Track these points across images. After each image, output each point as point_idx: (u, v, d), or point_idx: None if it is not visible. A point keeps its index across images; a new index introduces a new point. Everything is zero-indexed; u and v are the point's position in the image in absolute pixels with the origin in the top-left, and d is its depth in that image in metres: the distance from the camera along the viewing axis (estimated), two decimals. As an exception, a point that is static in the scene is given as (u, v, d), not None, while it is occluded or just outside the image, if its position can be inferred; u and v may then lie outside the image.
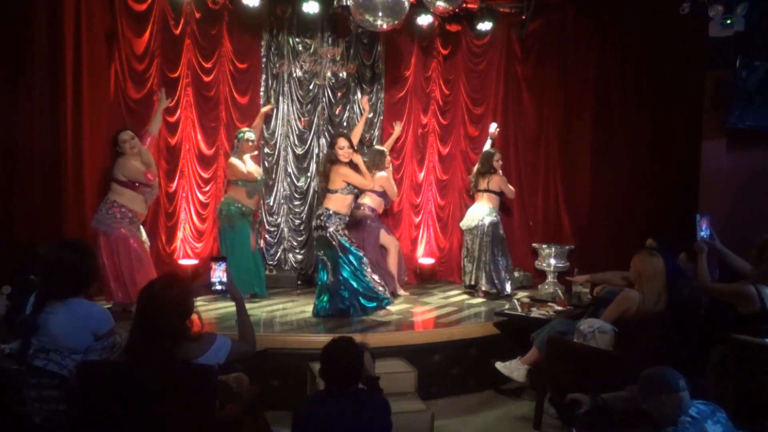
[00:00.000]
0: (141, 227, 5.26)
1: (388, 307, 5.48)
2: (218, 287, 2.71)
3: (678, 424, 2.52)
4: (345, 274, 4.97)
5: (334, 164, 5.00)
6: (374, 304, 5.05)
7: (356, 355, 2.68)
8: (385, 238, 6.05)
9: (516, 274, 6.58)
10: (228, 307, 5.25)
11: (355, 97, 6.69)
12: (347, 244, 5.01)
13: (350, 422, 2.52)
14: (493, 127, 6.56)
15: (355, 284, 4.99)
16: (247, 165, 5.65)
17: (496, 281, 6.03)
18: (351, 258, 5.00)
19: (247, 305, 3.04)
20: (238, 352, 2.66)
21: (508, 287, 6.08)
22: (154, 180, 5.13)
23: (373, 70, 6.73)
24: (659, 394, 2.64)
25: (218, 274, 2.70)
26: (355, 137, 5.63)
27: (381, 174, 5.89)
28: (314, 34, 6.52)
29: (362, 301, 5.01)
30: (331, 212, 4.97)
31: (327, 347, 2.70)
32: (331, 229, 4.95)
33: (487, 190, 6.13)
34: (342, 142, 5.01)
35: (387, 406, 2.67)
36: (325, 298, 5.07)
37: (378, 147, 6.16)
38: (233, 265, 5.58)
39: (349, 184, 5.00)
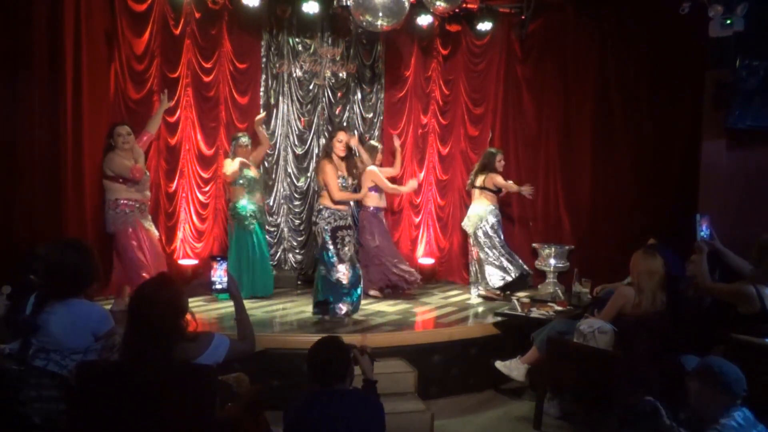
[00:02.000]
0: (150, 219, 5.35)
1: (387, 308, 5.50)
2: (218, 287, 2.69)
3: (720, 426, 2.46)
4: (322, 272, 4.95)
5: (326, 157, 4.96)
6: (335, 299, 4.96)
7: (341, 354, 2.66)
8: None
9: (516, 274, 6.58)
10: (228, 307, 5.25)
11: (356, 97, 6.69)
12: (328, 244, 4.93)
13: (342, 423, 2.51)
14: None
15: (321, 284, 4.96)
16: (232, 166, 5.68)
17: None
18: (325, 257, 4.95)
19: (247, 305, 3.04)
20: (238, 351, 2.65)
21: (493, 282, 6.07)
22: (141, 177, 5.12)
23: (373, 70, 6.74)
24: (719, 392, 2.55)
25: (219, 273, 2.68)
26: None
27: (370, 168, 5.91)
28: (314, 34, 6.53)
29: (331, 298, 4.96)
30: (321, 207, 4.96)
31: (312, 347, 2.68)
32: (321, 224, 4.95)
33: (483, 188, 6.12)
34: (341, 135, 4.97)
35: (381, 410, 2.65)
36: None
37: (373, 142, 6.17)
38: (249, 266, 5.71)
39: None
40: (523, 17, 6.62)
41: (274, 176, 6.54)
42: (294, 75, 6.52)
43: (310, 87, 6.58)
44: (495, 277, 6.05)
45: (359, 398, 2.66)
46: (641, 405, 2.61)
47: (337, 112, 6.65)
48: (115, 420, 2.27)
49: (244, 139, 5.79)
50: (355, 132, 6.64)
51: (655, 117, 5.78)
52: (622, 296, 3.88)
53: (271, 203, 6.54)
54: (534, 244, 6.56)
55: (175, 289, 2.41)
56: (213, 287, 2.70)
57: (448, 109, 6.98)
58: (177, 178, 6.16)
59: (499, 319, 5.10)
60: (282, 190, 6.57)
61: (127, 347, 2.33)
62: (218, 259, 2.71)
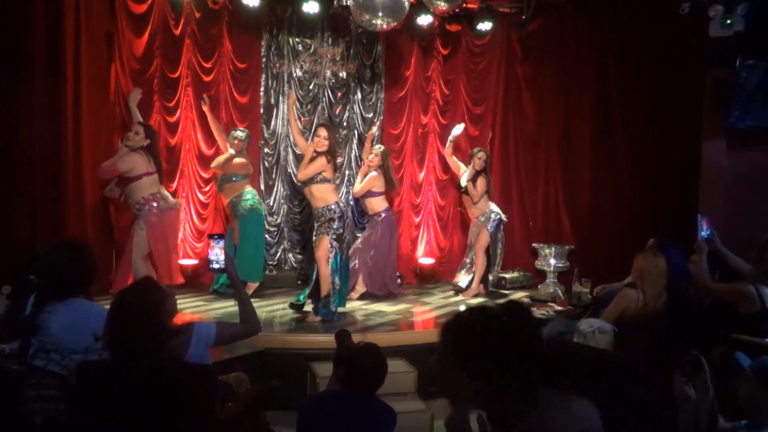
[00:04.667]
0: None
1: (387, 308, 5.52)
2: (215, 266, 2.58)
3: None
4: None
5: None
6: None
7: (383, 365, 2.61)
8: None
9: (516, 274, 6.60)
10: (228, 307, 5.25)
11: (356, 97, 6.69)
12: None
13: (357, 426, 2.49)
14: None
15: None
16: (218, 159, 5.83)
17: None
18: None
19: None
20: (233, 333, 2.61)
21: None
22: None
23: (373, 70, 6.73)
24: None
25: (215, 251, 2.57)
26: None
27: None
28: (314, 34, 6.53)
29: None
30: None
31: (356, 352, 2.62)
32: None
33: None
34: (321, 131, 4.98)
35: (394, 417, 2.62)
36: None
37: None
38: (259, 252, 5.86)
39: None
40: (523, 17, 6.63)
41: (274, 176, 6.53)
42: (294, 75, 6.51)
43: (310, 87, 6.58)
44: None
45: (376, 405, 2.63)
46: (687, 357, 2.44)
47: (337, 112, 6.64)
48: (116, 420, 2.27)
49: (236, 133, 5.80)
50: (355, 132, 6.65)
51: (655, 117, 5.77)
52: (625, 298, 3.88)
53: (271, 203, 6.54)
54: (534, 244, 6.57)
55: (159, 296, 2.28)
56: (210, 266, 2.60)
57: (448, 109, 6.98)
58: (177, 178, 6.16)
59: (499, 319, 5.09)
60: (282, 190, 6.56)
61: (116, 352, 2.27)
62: (215, 237, 2.58)
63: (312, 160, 4.93)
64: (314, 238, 5.12)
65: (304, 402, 2.61)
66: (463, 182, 6.18)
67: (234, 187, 5.77)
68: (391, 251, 6.04)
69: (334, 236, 4.95)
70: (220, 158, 5.76)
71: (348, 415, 2.51)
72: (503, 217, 6.29)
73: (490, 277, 6.28)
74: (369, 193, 5.92)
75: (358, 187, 5.96)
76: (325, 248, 4.95)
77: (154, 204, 4.92)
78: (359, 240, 6.09)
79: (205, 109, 5.95)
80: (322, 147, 4.91)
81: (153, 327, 2.22)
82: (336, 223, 4.94)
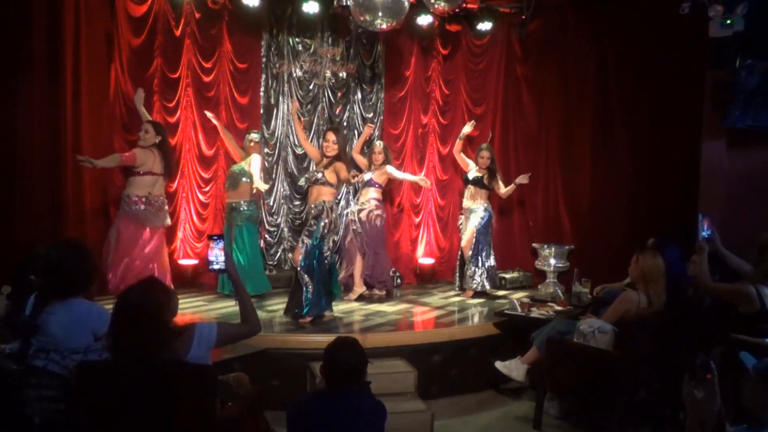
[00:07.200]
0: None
1: (387, 308, 5.51)
2: (215, 266, 2.60)
3: None
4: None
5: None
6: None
7: (361, 356, 2.62)
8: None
9: (516, 274, 6.60)
10: (228, 307, 5.25)
11: (356, 97, 6.70)
12: None
13: (346, 423, 2.50)
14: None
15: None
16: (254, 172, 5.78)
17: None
18: None
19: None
20: (234, 334, 2.62)
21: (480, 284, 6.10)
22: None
23: (373, 70, 6.74)
24: None
25: (215, 252, 2.59)
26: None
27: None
28: (314, 34, 6.52)
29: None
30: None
31: (331, 346, 2.63)
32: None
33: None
34: (329, 135, 4.97)
35: (384, 411, 2.63)
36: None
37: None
38: (255, 260, 5.78)
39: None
40: (523, 17, 6.63)
41: (274, 176, 6.53)
42: (294, 75, 6.51)
43: (310, 87, 6.58)
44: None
45: (364, 400, 2.64)
46: (697, 361, 2.43)
47: (337, 112, 6.64)
48: (116, 420, 2.27)
49: (252, 135, 5.85)
50: (355, 132, 6.65)
51: (655, 117, 5.77)
52: (626, 301, 3.88)
53: (271, 203, 6.53)
54: (534, 244, 6.57)
55: (161, 298, 2.31)
56: (210, 267, 2.62)
57: (448, 109, 6.98)
58: (177, 178, 6.15)
59: (499, 319, 5.10)
60: (282, 190, 6.56)
61: (115, 348, 2.28)
62: (215, 237, 2.60)
63: (329, 164, 4.90)
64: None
65: (291, 406, 2.61)
66: (471, 175, 6.16)
67: (246, 189, 5.73)
68: (383, 237, 6.03)
69: (307, 233, 4.89)
70: (256, 171, 5.69)
71: (333, 413, 2.50)
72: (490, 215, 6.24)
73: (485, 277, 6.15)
74: (371, 183, 5.93)
75: (402, 175, 6.04)
76: (298, 249, 4.92)
77: (141, 207, 4.98)
78: (350, 232, 6.01)
79: (216, 122, 5.92)
80: (332, 151, 4.90)
81: (157, 325, 2.25)
82: (315, 220, 4.85)
